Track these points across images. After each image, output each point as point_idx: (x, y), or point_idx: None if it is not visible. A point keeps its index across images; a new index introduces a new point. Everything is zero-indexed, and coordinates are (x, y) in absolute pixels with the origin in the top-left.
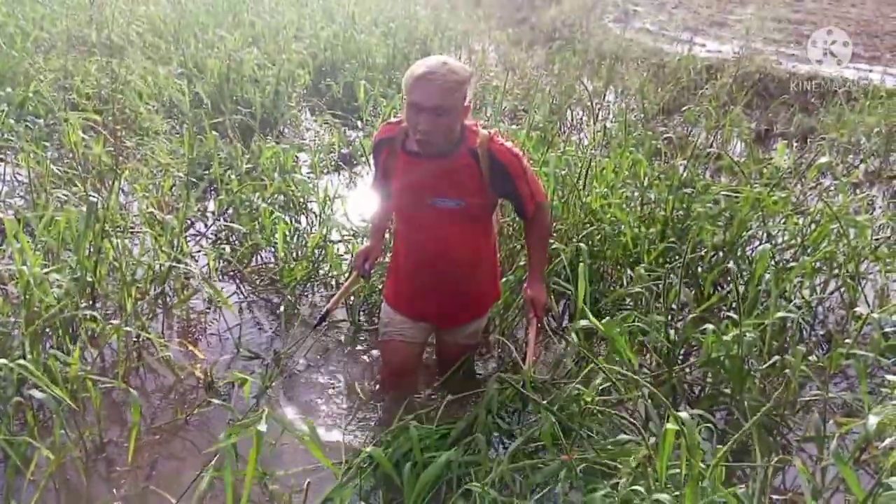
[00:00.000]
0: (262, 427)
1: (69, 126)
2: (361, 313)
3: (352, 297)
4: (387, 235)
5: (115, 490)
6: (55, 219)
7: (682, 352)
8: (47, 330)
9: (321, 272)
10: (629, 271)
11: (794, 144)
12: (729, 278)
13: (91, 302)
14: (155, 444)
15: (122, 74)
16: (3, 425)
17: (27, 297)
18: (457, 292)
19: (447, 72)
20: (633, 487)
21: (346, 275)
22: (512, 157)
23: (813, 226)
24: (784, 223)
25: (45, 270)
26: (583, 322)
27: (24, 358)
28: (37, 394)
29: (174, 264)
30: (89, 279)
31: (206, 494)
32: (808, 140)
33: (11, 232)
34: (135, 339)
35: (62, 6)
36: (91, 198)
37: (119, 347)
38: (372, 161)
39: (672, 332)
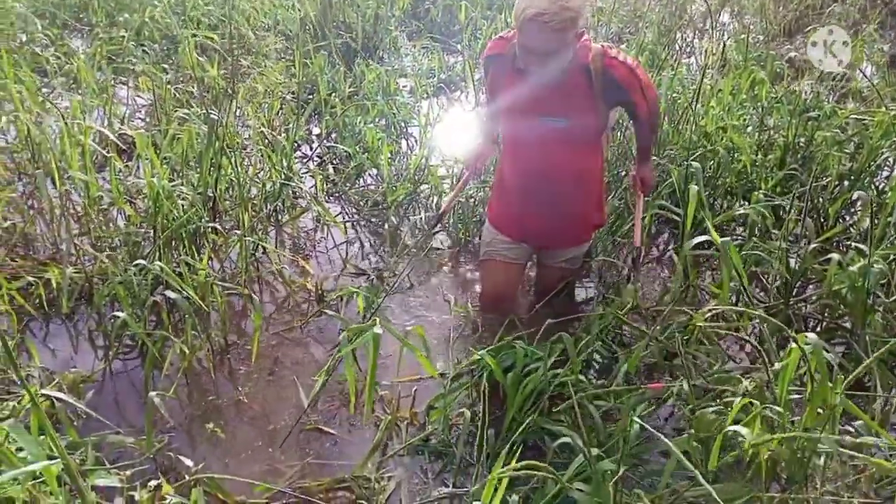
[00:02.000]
0: (378, 329)
1: (187, 46)
2: (463, 233)
3: (455, 208)
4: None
5: (239, 387)
6: (178, 137)
7: (798, 283)
8: (172, 241)
9: (422, 195)
10: (742, 202)
11: None
12: (852, 210)
13: (212, 216)
14: (272, 348)
15: None
16: (140, 324)
17: (157, 207)
18: (560, 214)
19: (559, 9)
20: (749, 401)
21: (458, 178)
22: (627, 72)
23: None
24: None
25: (173, 183)
26: (698, 238)
27: (160, 261)
28: (171, 294)
29: (286, 183)
30: (210, 194)
31: (320, 394)
32: None
33: (142, 146)
34: (252, 253)
35: None
36: (212, 116)
37: (241, 256)
38: (482, 75)
39: (791, 262)
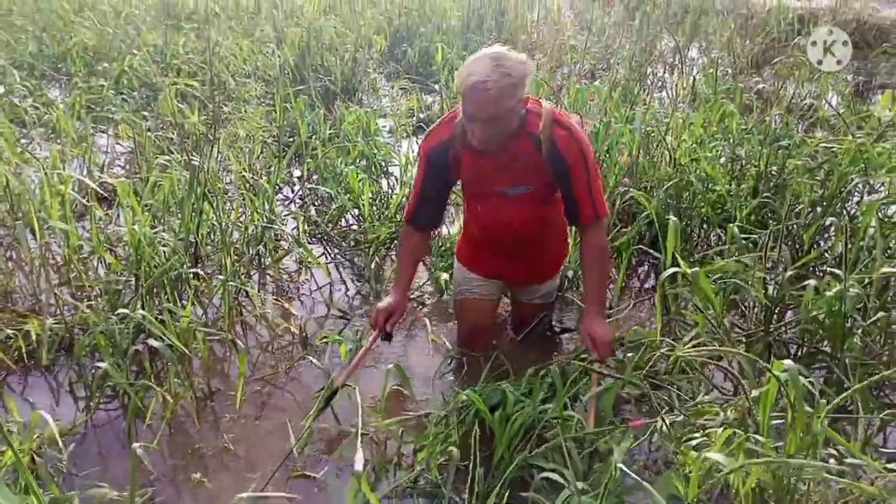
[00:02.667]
0: (359, 467)
1: (167, 94)
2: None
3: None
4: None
5: (224, 434)
6: (159, 183)
7: (777, 310)
8: (154, 288)
9: None
10: (718, 231)
11: None
12: (826, 235)
13: (194, 262)
14: (257, 394)
15: (216, 41)
16: (122, 373)
17: (138, 255)
18: (527, 259)
19: (500, 76)
20: (733, 431)
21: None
22: (575, 148)
23: None
24: (888, 176)
25: (155, 231)
26: (670, 270)
27: (142, 309)
28: (153, 342)
29: (268, 226)
30: (192, 240)
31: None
32: None
33: (124, 195)
34: (234, 297)
35: None
36: (193, 162)
37: (226, 300)
38: (424, 168)
39: (769, 289)
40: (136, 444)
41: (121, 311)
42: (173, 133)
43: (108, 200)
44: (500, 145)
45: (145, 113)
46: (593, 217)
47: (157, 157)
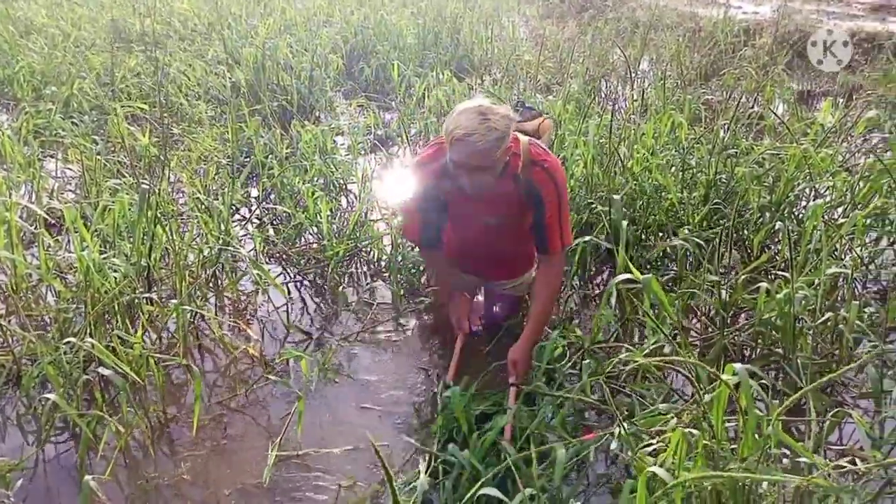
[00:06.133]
0: None
1: (116, 118)
2: (403, 284)
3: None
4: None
5: (181, 464)
6: (109, 208)
7: (731, 314)
8: (105, 315)
9: (363, 250)
10: (673, 238)
11: (840, 102)
12: (776, 239)
13: (147, 287)
14: (215, 420)
15: (166, 63)
16: (73, 404)
17: (87, 282)
18: (502, 263)
19: (486, 130)
20: (688, 431)
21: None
22: (550, 184)
23: (862, 182)
24: (832, 180)
25: (104, 256)
26: (621, 276)
27: (92, 337)
28: (104, 370)
29: (224, 248)
30: (144, 264)
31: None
32: (854, 97)
33: (71, 220)
34: (190, 321)
35: (99, 7)
36: (143, 185)
37: (179, 325)
38: (421, 195)
39: (722, 293)
40: (87, 477)
41: (69, 339)
42: (124, 156)
43: (57, 226)
44: (487, 188)
45: (95, 137)
46: (559, 246)
47: (107, 181)
